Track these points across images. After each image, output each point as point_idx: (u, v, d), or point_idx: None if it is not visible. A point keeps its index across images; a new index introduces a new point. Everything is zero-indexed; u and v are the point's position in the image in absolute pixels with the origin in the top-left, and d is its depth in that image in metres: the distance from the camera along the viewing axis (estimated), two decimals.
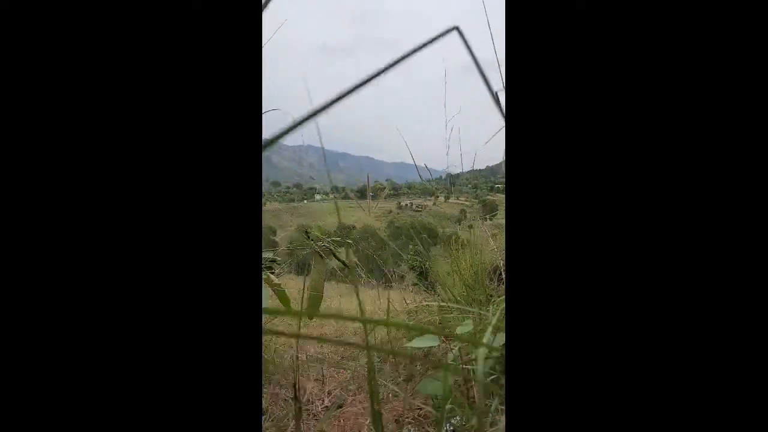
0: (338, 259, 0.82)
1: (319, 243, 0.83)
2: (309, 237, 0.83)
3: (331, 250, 0.85)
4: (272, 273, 0.78)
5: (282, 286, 0.70)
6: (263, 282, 0.72)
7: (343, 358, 1.15)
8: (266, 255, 0.82)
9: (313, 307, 0.66)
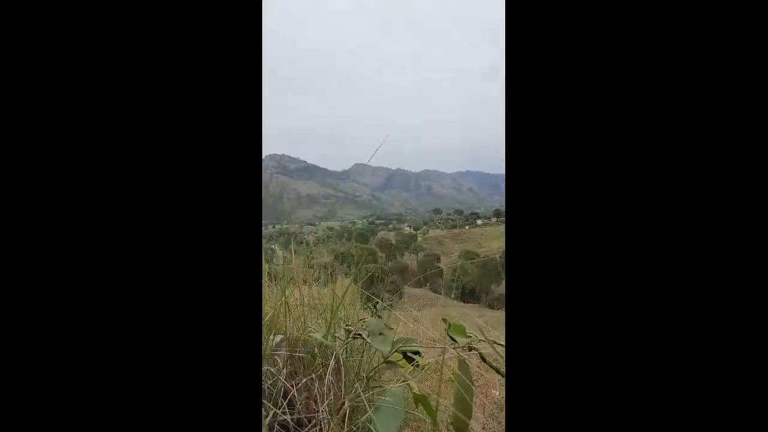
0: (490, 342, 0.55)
1: (465, 340, 0.55)
2: (451, 337, 0.55)
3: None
4: (416, 364, 0.57)
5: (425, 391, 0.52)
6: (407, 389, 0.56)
7: None
8: (408, 346, 0.56)
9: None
